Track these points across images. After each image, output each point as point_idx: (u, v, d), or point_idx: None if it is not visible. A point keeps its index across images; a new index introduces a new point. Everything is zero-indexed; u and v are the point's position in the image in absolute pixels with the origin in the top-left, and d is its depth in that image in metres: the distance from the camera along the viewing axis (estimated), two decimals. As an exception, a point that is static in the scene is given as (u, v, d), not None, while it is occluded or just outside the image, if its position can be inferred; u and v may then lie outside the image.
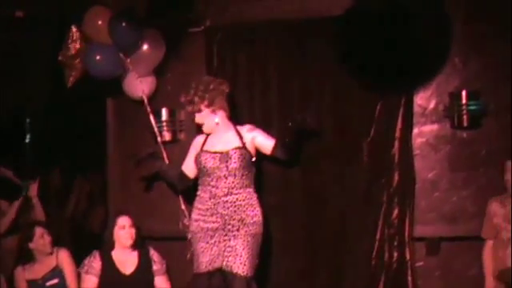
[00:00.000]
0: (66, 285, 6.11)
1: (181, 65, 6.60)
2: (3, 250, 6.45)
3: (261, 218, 5.60)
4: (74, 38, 6.35)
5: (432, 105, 6.27)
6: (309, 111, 5.72)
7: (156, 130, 6.44)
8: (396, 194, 6.24)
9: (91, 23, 6.27)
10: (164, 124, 6.57)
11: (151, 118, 6.42)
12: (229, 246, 5.48)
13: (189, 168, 5.79)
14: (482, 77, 6.17)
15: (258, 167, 5.81)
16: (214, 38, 6.51)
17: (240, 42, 6.47)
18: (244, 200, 5.56)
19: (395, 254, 6.24)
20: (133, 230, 6.02)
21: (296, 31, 6.34)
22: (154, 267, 6.05)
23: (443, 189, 6.23)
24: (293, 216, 6.35)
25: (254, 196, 5.62)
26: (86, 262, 6.01)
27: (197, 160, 5.65)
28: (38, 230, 6.13)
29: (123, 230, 5.98)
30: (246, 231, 5.50)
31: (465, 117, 6.11)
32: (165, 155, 6.37)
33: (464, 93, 6.11)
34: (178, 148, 6.56)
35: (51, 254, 6.14)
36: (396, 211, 6.23)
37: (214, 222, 5.54)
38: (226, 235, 5.50)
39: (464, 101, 6.10)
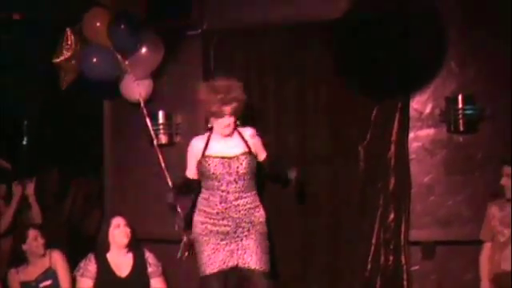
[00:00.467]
0: (59, 286, 6.09)
1: (178, 68, 6.63)
2: (-2, 252, 6.44)
3: (265, 218, 5.66)
4: (69, 40, 6.36)
5: (428, 109, 6.27)
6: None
7: (152, 132, 6.46)
8: (392, 198, 6.24)
9: (90, 25, 6.29)
10: (160, 127, 6.59)
11: (148, 120, 6.45)
12: (242, 245, 5.52)
13: (192, 172, 5.73)
14: (479, 81, 6.17)
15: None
16: (210, 41, 6.53)
17: (236, 45, 6.48)
18: (252, 203, 5.60)
19: (391, 258, 6.25)
20: (128, 229, 6.01)
21: (292, 35, 6.36)
22: (150, 269, 6.04)
23: (439, 193, 6.24)
24: (289, 220, 6.36)
25: (258, 198, 5.67)
26: (81, 264, 6.00)
27: (201, 165, 5.60)
28: (32, 232, 6.12)
29: (118, 229, 5.98)
30: (255, 230, 5.55)
31: (461, 121, 6.13)
32: (161, 158, 6.39)
33: (460, 97, 6.12)
34: (175, 151, 6.58)
35: (44, 255, 6.13)
36: (392, 215, 6.24)
37: (225, 226, 5.55)
38: (237, 237, 5.53)
39: (460, 105, 6.11)
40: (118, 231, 5.98)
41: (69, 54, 6.35)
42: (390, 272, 6.24)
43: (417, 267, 6.27)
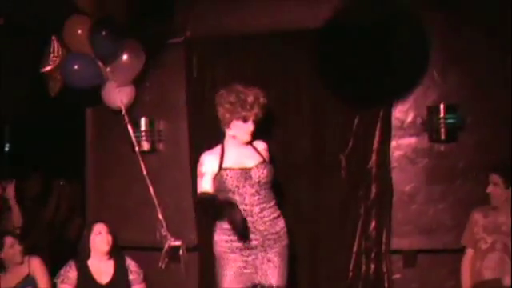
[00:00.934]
0: (39, 292, 6.06)
1: (160, 75, 6.62)
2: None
3: (286, 228, 5.51)
4: (55, 48, 6.35)
5: (410, 118, 6.29)
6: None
7: (134, 139, 6.45)
8: (373, 207, 6.25)
9: (71, 32, 6.25)
10: (143, 134, 6.57)
11: (129, 127, 6.44)
12: (267, 260, 5.36)
13: (208, 187, 5.43)
14: (460, 91, 6.20)
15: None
16: (193, 49, 6.53)
17: (219, 53, 6.47)
18: (274, 213, 5.44)
19: (372, 266, 6.26)
20: (109, 236, 5.98)
21: (274, 44, 6.36)
22: (131, 277, 6.02)
23: (420, 201, 6.25)
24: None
25: (276, 206, 5.50)
26: (61, 271, 5.96)
27: (219, 180, 5.36)
28: (8, 240, 6.09)
29: (100, 236, 5.95)
30: (281, 243, 5.41)
31: (443, 130, 6.14)
32: (142, 165, 6.38)
33: (442, 106, 6.14)
34: (157, 158, 6.62)
35: (23, 263, 6.10)
36: (373, 223, 6.25)
37: (253, 240, 5.34)
38: (264, 250, 5.35)
39: (442, 114, 6.12)
40: (100, 238, 5.95)
41: (56, 62, 6.34)
42: (371, 280, 6.24)
43: (398, 276, 6.27)
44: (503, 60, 6.03)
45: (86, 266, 5.96)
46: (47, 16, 6.34)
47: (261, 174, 5.37)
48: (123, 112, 6.40)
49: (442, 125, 6.13)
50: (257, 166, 5.39)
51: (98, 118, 6.84)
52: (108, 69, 6.30)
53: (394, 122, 6.28)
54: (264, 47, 6.38)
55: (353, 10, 6.01)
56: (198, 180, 5.45)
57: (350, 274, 6.25)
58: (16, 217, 6.69)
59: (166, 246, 5.99)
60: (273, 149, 6.10)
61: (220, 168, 5.37)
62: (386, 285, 6.22)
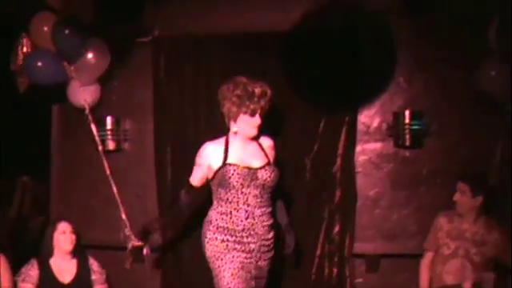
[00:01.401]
0: (0, 290, 6.02)
1: (127, 74, 6.57)
2: None
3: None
4: (24, 45, 6.34)
5: (376, 123, 6.31)
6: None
7: (98, 138, 6.41)
8: (337, 211, 6.26)
9: (37, 29, 6.23)
10: (108, 133, 6.51)
11: (93, 126, 6.41)
12: (258, 267, 5.31)
13: (198, 180, 5.40)
14: (426, 97, 6.22)
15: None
16: (161, 49, 6.48)
17: (187, 54, 6.42)
18: (271, 219, 5.36)
19: (335, 270, 6.26)
20: (73, 236, 5.96)
21: (242, 45, 6.33)
22: (93, 276, 6.01)
23: (384, 206, 6.27)
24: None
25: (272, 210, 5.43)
26: (23, 270, 5.92)
27: (222, 174, 5.21)
28: None
29: (63, 235, 5.92)
30: (270, 252, 5.36)
31: (408, 136, 6.17)
32: (106, 164, 6.38)
33: (407, 112, 6.16)
34: (122, 157, 6.58)
35: None
36: (337, 227, 6.25)
37: (251, 243, 5.24)
38: (260, 255, 5.28)
39: (407, 120, 6.15)
40: (64, 237, 5.92)
41: (24, 58, 6.35)
42: (333, 284, 6.24)
43: (361, 280, 6.29)
44: (469, 67, 6.06)
45: (48, 265, 5.93)
46: (16, 12, 6.30)
47: (268, 177, 5.26)
48: (87, 111, 6.38)
49: (407, 131, 6.15)
50: (264, 168, 5.26)
51: (64, 115, 6.77)
52: (72, 67, 6.27)
53: (360, 127, 6.29)
54: (232, 48, 6.35)
55: (321, 15, 6.02)
56: (193, 168, 5.37)
57: (313, 277, 6.25)
58: None
59: (130, 246, 5.88)
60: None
61: (224, 162, 5.23)
62: (349, 289, 6.22)
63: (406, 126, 6.15)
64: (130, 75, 6.57)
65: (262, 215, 5.25)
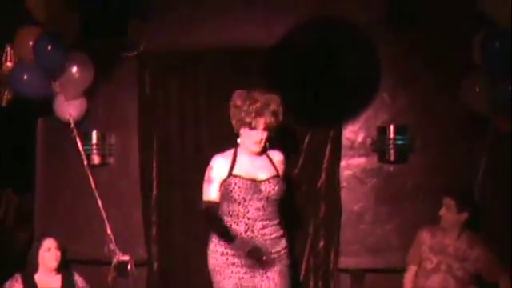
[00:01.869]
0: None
1: (113, 88, 6.54)
2: None
3: (288, 249, 5.34)
4: (9, 57, 6.31)
5: (360, 138, 6.31)
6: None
7: (83, 153, 6.38)
8: (322, 225, 6.27)
9: (22, 43, 6.20)
10: (94, 147, 6.47)
11: (78, 141, 6.38)
12: (266, 277, 5.17)
13: (216, 195, 5.20)
14: (410, 112, 6.23)
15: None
16: (146, 64, 6.46)
17: (172, 69, 6.41)
18: (277, 232, 5.22)
19: (320, 284, 6.26)
20: (58, 253, 5.91)
21: (227, 61, 6.31)
22: (78, 292, 5.96)
23: (369, 221, 6.27)
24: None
25: (283, 227, 5.31)
26: (7, 284, 5.85)
27: (226, 186, 5.11)
28: None
29: (48, 252, 5.87)
30: (281, 262, 5.23)
31: (392, 151, 6.16)
32: (91, 179, 6.34)
33: (392, 127, 6.16)
34: (107, 172, 6.54)
35: None
36: (322, 242, 6.27)
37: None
38: (263, 269, 5.14)
39: (391, 135, 6.15)
40: (49, 254, 5.87)
41: (8, 70, 6.32)
42: (318, 298, 6.21)
43: (346, 294, 6.27)
44: (453, 83, 6.06)
45: (33, 280, 5.87)
46: (1, 24, 6.25)
47: (271, 189, 5.14)
48: (72, 125, 6.35)
49: (392, 146, 6.15)
50: (269, 180, 5.14)
51: (49, 129, 6.73)
52: (57, 82, 6.25)
53: (344, 142, 6.29)
54: (218, 64, 6.33)
55: (305, 30, 6.01)
56: (205, 185, 5.19)
57: (298, 291, 6.21)
58: None
59: (114, 261, 5.92)
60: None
61: (229, 174, 5.13)
62: (334, 303, 6.20)
63: (391, 141, 6.15)
64: (116, 90, 6.55)
65: (264, 228, 5.12)
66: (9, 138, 7.73)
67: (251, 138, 5.16)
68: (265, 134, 5.15)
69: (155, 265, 6.39)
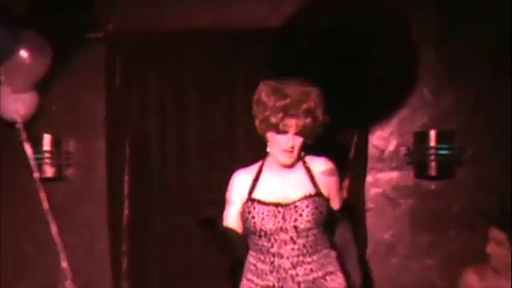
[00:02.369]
0: None
1: (72, 79, 5.94)
2: None
3: (345, 286, 4.41)
4: None
5: (392, 147, 5.78)
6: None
7: (32, 162, 5.67)
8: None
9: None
10: (46, 155, 5.87)
11: (27, 147, 5.67)
12: None
13: (234, 220, 4.35)
14: (458, 114, 5.69)
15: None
16: (117, 47, 5.90)
17: (150, 54, 5.85)
18: (321, 269, 4.24)
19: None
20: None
21: (222, 44, 5.77)
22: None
23: (403, 254, 5.75)
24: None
25: (333, 257, 4.34)
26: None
27: (242, 213, 4.27)
28: None
29: None
30: None
31: (433, 164, 5.60)
32: (43, 197, 5.56)
33: (433, 133, 5.61)
34: (64, 187, 5.96)
35: None
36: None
37: None
38: None
39: (433, 143, 5.60)
40: None
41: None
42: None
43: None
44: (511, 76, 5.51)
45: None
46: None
47: (298, 216, 4.16)
48: (19, 126, 5.64)
49: (433, 157, 5.59)
50: (295, 204, 4.17)
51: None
52: (0, 69, 5.60)
53: (372, 151, 5.77)
54: (207, 47, 5.77)
55: (324, 11, 5.48)
56: (226, 207, 4.42)
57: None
58: None
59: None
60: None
61: (249, 197, 4.26)
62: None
63: (432, 151, 5.57)
64: (76, 81, 5.96)
65: (295, 267, 4.17)
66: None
67: (279, 144, 4.19)
68: (298, 141, 4.17)
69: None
